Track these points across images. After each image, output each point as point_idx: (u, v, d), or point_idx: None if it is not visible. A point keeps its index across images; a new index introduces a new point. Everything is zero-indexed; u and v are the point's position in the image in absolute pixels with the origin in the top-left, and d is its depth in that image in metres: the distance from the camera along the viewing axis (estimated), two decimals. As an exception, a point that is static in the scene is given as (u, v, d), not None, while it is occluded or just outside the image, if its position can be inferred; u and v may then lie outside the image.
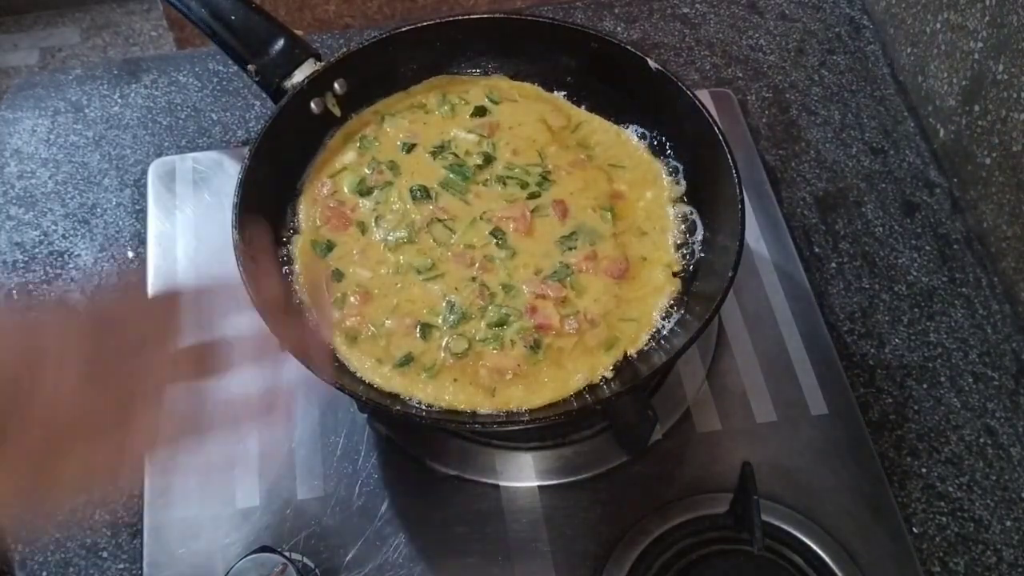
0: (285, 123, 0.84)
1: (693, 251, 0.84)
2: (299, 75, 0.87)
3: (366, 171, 0.87)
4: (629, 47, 0.88)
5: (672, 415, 0.84)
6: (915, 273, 0.96)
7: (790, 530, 0.77)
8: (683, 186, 0.87)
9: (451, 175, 0.87)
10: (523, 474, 0.81)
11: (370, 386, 0.76)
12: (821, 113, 1.08)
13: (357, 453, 0.83)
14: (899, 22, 1.10)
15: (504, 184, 0.86)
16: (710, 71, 1.12)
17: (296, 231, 0.85)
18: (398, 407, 0.75)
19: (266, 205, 0.83)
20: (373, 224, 0.84)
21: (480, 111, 0.91)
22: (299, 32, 0.90)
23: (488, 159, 0.88)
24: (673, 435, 0.84)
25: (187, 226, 0.97)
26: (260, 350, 0.57)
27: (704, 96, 1.05)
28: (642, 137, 0.91)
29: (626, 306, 0.80)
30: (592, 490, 0.81)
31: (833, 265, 0.96)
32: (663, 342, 0.79)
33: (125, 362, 0.49)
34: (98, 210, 1.00)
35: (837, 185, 1.03)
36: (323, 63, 0.87)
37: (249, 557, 0.72)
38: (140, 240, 0.97)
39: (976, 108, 0.97)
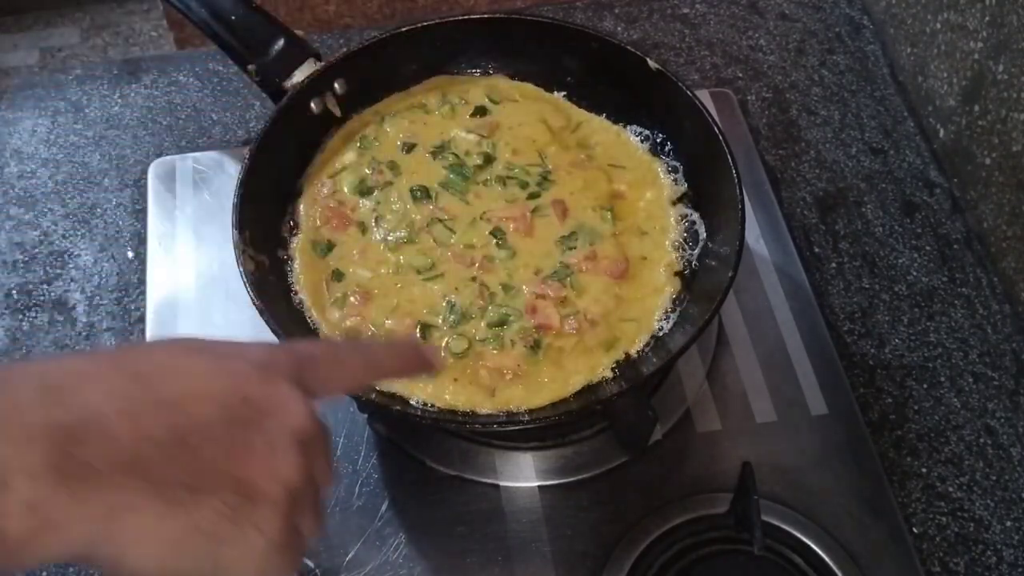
0: (285, 123, 0.84)
1: (693, 251, 0.84)
2: (299, 75, 0.86)
3: (366, 171, 0.87)
4: (629, 47, 0.88)
5: (672, 415, 0.84)
6: (915, 273, 0.96)
7: (790, 530, 0.77)
8: (683, 186, 0.87)
9: (451, 175, 0.87)
10: (523, 474, 0.81)
11: (370, 386, 0.76)
12: (821, 113, 1.08)
13: (357, 453, 0.83)
14: (899, 22, 1.10)
15: (504, 184, 0.86)
16: (710, 71, 1.12)
17: (296, 231, 0.85)
18: (398, 407, 0.75)
19: (266, 205, 0.83)
20: (373, 224, 0.84)
21: (480, 111, 0.91)
22: (299, 32, 0.90)
23: (488, 159, 0.88)
24: (673, 435, 0.84)
25: (187, 226, 0.97)
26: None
27: (704, 96, 1.05)
28: (642, 137, 0.91)
29: (626, 306, 0.80)
30: (592, 490, 0.81)
31: (833, 265, 0.96)
32: (663, 342, 0.79)
33: None
34: (98, 210, 1.00)
35: (837, 185, 1.02)
36: (323, 63, 0.87)
37: (249, 557, 0.72)
38: (140, 240, 0.97)
39: (976, 108, 0.97)
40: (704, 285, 0.80)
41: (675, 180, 0.88)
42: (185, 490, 0.38)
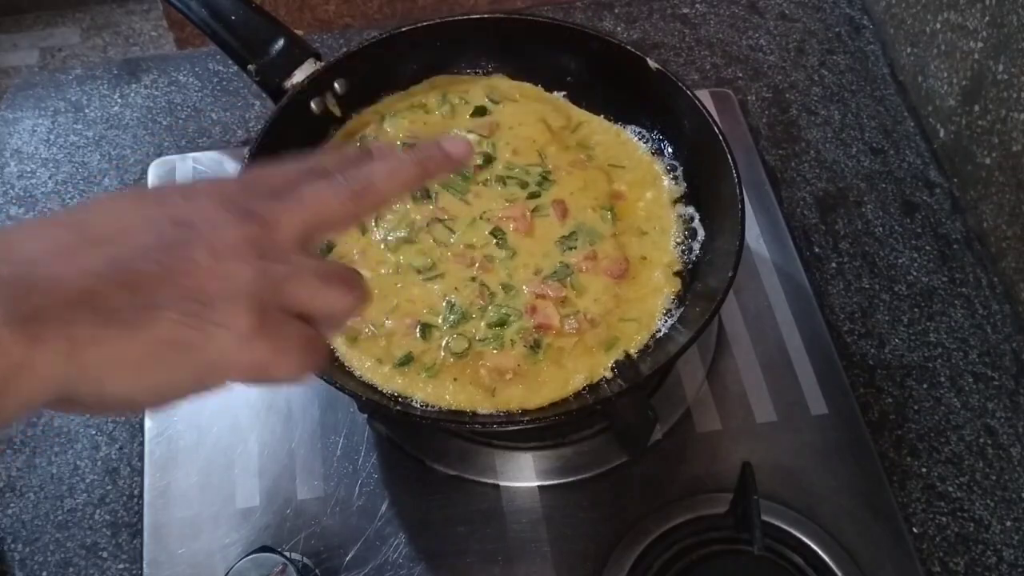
0: (285, 123, 0.84)
1: (693, 251, 0.84)
2: (299, 75, 0.87)
3: (366, 171, 0.87)
4: (629, 47, 0.88)
5: (672, 415, 0.84)
6: (915, 273, 0.96)
7: (790, 530, 0.77)
8: (683, 186, 0.87)
9: (451, 175, 0.87)
10: (523, 474, 0.81)
11: (370, 386, 0.76)
12: (821, 113, 1.08)
13: (357, 453, 0.83)
14: (899, 22, 1.11)
15: (504, 184, 0.86)
16: (710, 71, 1.12)
17: (296, 231, 0.85)
18: (398, 407, 0.75)
19: (266, 205, 0.83)
20: (373, 224, 0.84)
21: (480, 111, 0.91)
22: (299, 32, 0.90)
23: (488, 159, 0.88)
24: (673, 435, 0.84)
25: (187, 226, 0.96)
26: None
27: (704, 96, 1.05)
28: (642, 138, 0.91)
29: (626, 306, 0.80)
30: (592, 490, 0.81)
31: (833, 265, 0.96)
32: (663, 342, 0.79)
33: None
34: (98, 210, 1.00)
35: (837, 185, 1.03)
36: (323, 63, 0.87)
37: (249, 557, 0.72)
38: (140, 240, 0.97)
39: (976, 108, 0.97)
40: (704, 285, 0.80)
41: (675, 180, 0.88)
42: (138, 311, 0.40)
